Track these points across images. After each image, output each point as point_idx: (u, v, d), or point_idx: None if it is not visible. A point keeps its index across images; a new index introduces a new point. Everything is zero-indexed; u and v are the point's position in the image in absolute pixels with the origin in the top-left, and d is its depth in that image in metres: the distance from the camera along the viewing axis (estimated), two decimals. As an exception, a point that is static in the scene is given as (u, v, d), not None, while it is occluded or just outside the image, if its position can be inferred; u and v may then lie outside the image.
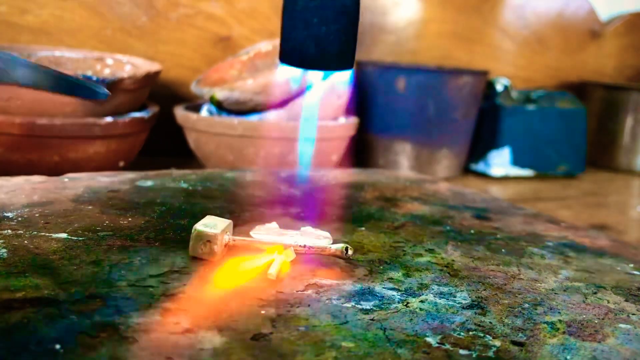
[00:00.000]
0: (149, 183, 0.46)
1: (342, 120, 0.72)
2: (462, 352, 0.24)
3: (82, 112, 0.56)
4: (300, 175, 0.35)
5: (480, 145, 0.87)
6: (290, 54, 0.31)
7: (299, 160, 0.35)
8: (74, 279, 0.27)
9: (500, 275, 0.33)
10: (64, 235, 0.33)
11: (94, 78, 0.54)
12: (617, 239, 0.43)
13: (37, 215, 0.36)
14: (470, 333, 0.25)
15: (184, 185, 0.46)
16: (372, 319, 0.26)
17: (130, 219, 0.37)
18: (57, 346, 0.21)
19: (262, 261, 0.31)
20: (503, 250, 0.37)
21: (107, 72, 0.67)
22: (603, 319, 0.28)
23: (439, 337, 0.25)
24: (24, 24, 0.72)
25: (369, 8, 0.93)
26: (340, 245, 0.32)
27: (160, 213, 0.39)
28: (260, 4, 0.83)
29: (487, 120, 0.87)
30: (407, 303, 0.28)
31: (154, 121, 0.64)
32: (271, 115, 0.65)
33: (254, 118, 0.65)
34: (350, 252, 0.32)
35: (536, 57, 1.08)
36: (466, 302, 0.29)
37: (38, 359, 0.21)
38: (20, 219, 0.35)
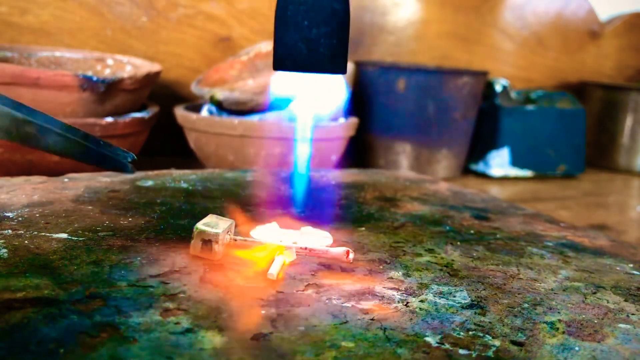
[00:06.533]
0: (149, 183, 0.46)
1: (342, 120, 0.72)
2: (461, 352, 0.24)
3: (82, 112, 0.56)
4: (300, 175, 0.35)
5: (479, 145, 0.88)
6: (283, 59, 0.32)
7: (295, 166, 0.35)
8: (74, 279, 0.28)
9: (499, 275, 0.33)
10: (64, 235, 0.33)
11: (95, 78, 0.55)
12: (617, 239, 0.43)
13: (37, 215, 0.36)
14: (470, 333, 0.26)
15: (184, 185, 0.46)
16: (372, 319, 0.26)
17: (130, 219, 0.37)
18: (58, 346, 0.22)
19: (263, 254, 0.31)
20: (502, 250, 0.37)
21: (107, 72, 0.67)
22: (602, 318, 0.28)
23: (439, 337, 0.25)
24: (24, 24, 0.72)
25: (368, 8, 0.93)
26: (342, 249, 0.32)
27: (160, 213, 0.39)
28: (260, 4, 0.83)
29: (487, 120, 0.87)
30: (407, 303, 0.28)
31: (154, 121, 0.64)
32: (271, 115, 0.65)
33: (254, 118, 0.65)
34: (351, 255, 0.32)
35: (535, 58, 1.08)
36: (466, 302, 0.29)
37: (38, 359, 0.21)
38: (20, 219, 0.35)
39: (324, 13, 0.31)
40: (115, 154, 0.31)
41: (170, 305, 0.26)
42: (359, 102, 0.82)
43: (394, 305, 0.28)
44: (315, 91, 0.34)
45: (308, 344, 0.23)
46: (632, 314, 0.29)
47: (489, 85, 0.88)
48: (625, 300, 0.31)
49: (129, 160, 0.31)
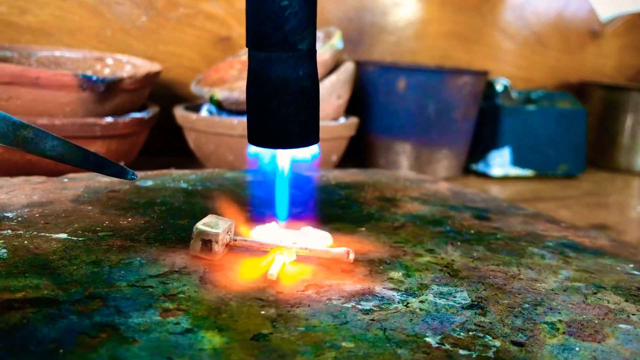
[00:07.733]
0: (149, 183, 0.46)
1: (342, 120, 0.72)
2: (462, 352, 0.24)
3: (81, 112, 0.56)
4: (300, 175, 0.35)
5: (480, 145, 0.87)
6: (256, 136, 0.32)
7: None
8: (74, 279, 0.27)
9: (500, 276, 0.33)
10: (64, 235, 0.33)
11: (94, 78, 0.55)
12: (617, 239, 0.43)
13: (37, 215, 0.36)
14: (470, 333, 0.25)
15: (184, 185, 0.46)
16: (372, 319, 0.26)
17: (130, 219, 0.37)
18: (57, 346, 0.21)
19: (264, 262, 0.31)
20: (503, 250, 0.37)
21: (107, 72, 0.67)
22: (603, 319, 0.28)
23: (439, 337, 0.25)
24: (24, 24, 0.72)
25: (368, 8, 0.93)
26: (342, 249, 0.32)
27: (160, 213, 0.39)
28: (260, 4, 0.83)
29: (487, 120, 0.87)
30: (407, 303, 0.28)
31: (154, 121, 0.64)
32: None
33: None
34: (351, 256, 0.32)
35: (536, 57, 1.08)
36: (466, 302, 0.29)
37: (38, 359, 0.21)
38: (20, 219, 0.35)
39: (293, 92, 0.31)
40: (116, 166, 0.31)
41: (170, 305, 0.26)
42: (359, 102, 0.82)
43: (394, 305, 0.28)
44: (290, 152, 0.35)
45: (308, 344, 0.23)
46: (633, 314, 0.29)
47: (490, 85, 0.88)
48: (626, 301, 0.30)
49: (130, 178, 0.31)
